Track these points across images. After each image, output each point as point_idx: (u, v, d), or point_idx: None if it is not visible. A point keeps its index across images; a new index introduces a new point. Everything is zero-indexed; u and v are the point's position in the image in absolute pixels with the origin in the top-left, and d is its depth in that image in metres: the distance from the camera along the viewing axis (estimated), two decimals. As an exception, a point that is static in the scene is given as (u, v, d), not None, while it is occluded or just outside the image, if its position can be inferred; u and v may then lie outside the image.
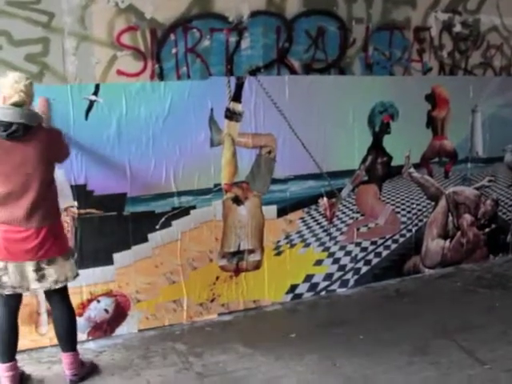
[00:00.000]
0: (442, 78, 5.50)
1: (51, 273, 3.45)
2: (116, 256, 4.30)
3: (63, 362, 3.73)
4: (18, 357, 3.69)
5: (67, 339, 3.69)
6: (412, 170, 5.47)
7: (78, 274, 3.69)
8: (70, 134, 4.00)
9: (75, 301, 4.19)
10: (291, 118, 4.73)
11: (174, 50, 4.28)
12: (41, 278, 3.43)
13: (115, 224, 4.25)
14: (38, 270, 3.41)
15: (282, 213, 4.87)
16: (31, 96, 3.38)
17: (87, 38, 4.00)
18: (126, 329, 4.42)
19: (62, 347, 3.70)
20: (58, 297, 3.61)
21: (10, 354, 3.58)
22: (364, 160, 5.19)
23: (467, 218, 5.89)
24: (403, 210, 5.50)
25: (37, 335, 4.14)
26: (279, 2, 4.60)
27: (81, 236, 4.17)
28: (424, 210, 5.63)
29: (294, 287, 5.01)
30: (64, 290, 3.61)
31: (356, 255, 5.28)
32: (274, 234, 4.86)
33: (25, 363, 3.91)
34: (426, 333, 4.30)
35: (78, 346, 4.05)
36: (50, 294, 3.60)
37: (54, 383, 3.73)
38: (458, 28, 5.50)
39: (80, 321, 4.24)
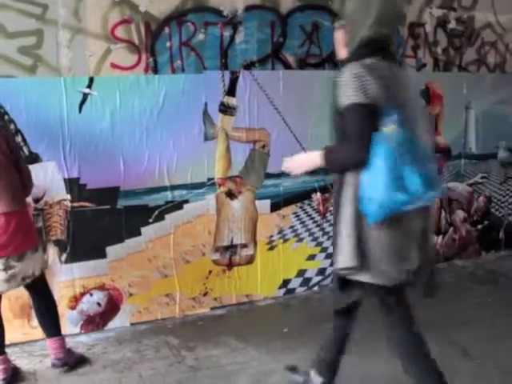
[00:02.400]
0: (436, 75, 5.51)
1: (21, 269, 3.39)
2: (109, 249, 4.30)
3: (48, 348, 3.74)
4: (9, 350, 3.69)
5: (49, 324, 3.70)
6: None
7: (46, 266, 3.73)
8: (64, 126, 4.00)
9: (68, 294, 4.21)
10: (285, 113, 4.73)
11: (168, 44, 4.28)
12: (10, 277, 3.36)
13: (108, 217, 4.25)
14: (8, 268, 3.34)
15: (275, 207, 4.87)
16: None
17: (81, 30, 3.99)
18: (118, 322, 4.42)
19: (46, 333, 3.71)
20: (36, 287, 3.60)
21: None
22: (358, 155, 5.18)
23: (460, 214, 5.91)
24: (396, 205, 5.50)
25: (29, 328, 4.13)
26: (274, -4, 4.60)
27: (73, 229, 4.17)
28: (417, 205, 5.63)
29: (286, 282, 5.02)
30: (39, 280, 3.58)
31: (349, 250, 5.28)
32: (267, 228, 4.86)
33: (17, 356, 3.91)
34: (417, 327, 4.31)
35: (71, 339, 4.07)
36: (27, 285, 3.56)
37: (46, 376, 3.72)
38: (452, 24, 5.50)
39: (72, 314, 4.26)
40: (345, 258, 2.63)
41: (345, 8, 2.76)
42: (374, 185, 2.45)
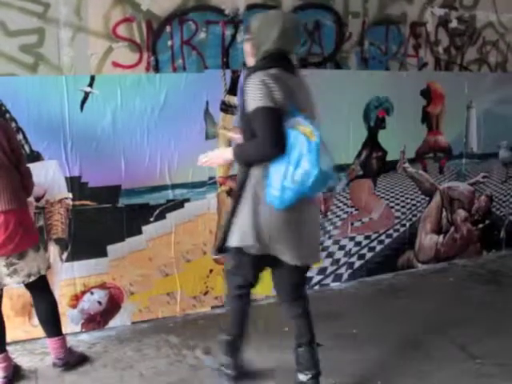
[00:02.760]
0: (437, 74, 5.51)
1: (23, 267, 3.41)
2: (110, 248, 4.30)
3: (49, 348, 3.74)
4: (10, 348, 3.70)
5: (50, 324, 3.69)
6: (407, 165, 5.48)
7: (49, 266, 3.69)
8: (65, 125, 4.00)
9: (69, 292, 4.21)
10: (286, 112, 4.72)
11: (169, 43, 4.27)
12: (12, 273, 3.39)
13: (109, 216, 4.25)
14: (10, 264, 3.36)
15: (276, 206, 4.86)
16: None
17: (83, 29, 3.99)
18: (119, 321, 4.43)
19: (47, 333, 3.71)
20: (37, 286, 3.58)
21: (0, 345, 3.58)
22: (359, 155, 5.19)
23: (461, 213, 5.90)
24: (397, 204, 5.51)
25: (30, 326, 4.13)
26: (276, -5, 4.60)
27: (75, 228, 4.17)
28: (418, 205, 5.64)
29: (287, 281, 5.01)
30: (40, 279, 3.56)
31: (350, 249, 5.29)
32: (268, 227, 4.85)
33: (18, 354, 3.92)
34: (418, 327, 4.32)
35: (72, 338, 4.08)
36: (27, 285, 3.56)
37: (47, 374, 3.72)
38: (454, 24, 5.50)
39: (73, 313, 4.26)
40: (242, 237, 3.04)
41: (251, 24, 3.12)
42: (289, 176, 2.81)
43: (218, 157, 3.30)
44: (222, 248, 3.24)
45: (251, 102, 2.88)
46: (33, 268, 3.46)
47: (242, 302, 3.44)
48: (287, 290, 3.42)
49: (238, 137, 3.36)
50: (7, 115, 3.84)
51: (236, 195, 3.11)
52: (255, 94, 2.87)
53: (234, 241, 3.10)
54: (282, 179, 2.83)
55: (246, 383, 3.63)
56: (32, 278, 3.48)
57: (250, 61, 3.14)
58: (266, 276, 4.87)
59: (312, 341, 3.42)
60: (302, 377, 3.38)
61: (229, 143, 4.52)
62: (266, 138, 2.85)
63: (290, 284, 3.38)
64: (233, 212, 3.11)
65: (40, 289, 3.62)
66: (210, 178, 4.54)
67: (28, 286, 3.56)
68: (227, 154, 3.16)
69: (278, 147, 2.83)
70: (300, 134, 2.82)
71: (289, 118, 2.88)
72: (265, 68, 2.95)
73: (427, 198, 5.69)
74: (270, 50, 3.00)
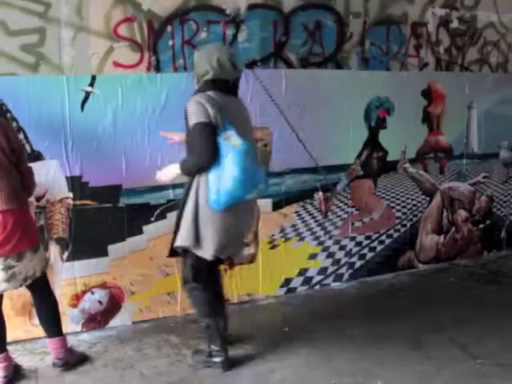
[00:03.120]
0: (438, 74, 5.51)
1: (21, 269, 3.37)
2: (111, 248, 4.30)
3: (49, 348, 3.74)
4: (11, 347, 3.70)
5: (50, 324, 3.68)
6: (407, 165, 5.47)
7: (47, 265, 3.69)
8: (66, 124, 4.00)
9: (69, 292, 4.21)
10: (287, 112, 4.73)
11: (170, 42, 4.27)
12: (10, 277, 3.35)
13: (110, 216, 4.25)
14: (8, 267, 3.33)
15: (277, 206, 4.87)
16: None
17: (84, 28, 3.99)
18: (119, 321, 4.43)
19: (47, 333, 3.70)
20: (37, 286, 3.57)
21: (0, 345, 3.57)
22: (359, 155, 5.19)
23: (462, 213, 5.90)
24: (398, 205, 5.51)
25: (30, 326, 4.13)
26: (276, -5, 4.60)
27: (75, 227, 4.17)
28: (419, 205, 5.64)
29: (288, 281, 5.02)
30: (40, 279, 3.56)
31: (350, 250, 5.29)
32: (268, 227, 4.86)
33: (18, 354, 3.92)
34: (419, 327, 4.32)
35: (72, 337, 4.08)
36: (28, 284, 3.54)
37: (47, 374, 3.72)
38: (455, 24, 5.50)
39: (74, 312, 4.26)
40: (185, 237, 3.47)
41: (193, 57, 3.65)
42: (222, 181, 3.29)
43: (171, 172, 3.64)
44: (172, 250, 3.64)
45: (191, 119, 3.36)
46: (29, 271, 3.42)
47: (200, 291, 3.71)
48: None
49: (177, 139, 3.95)
50: (8, 115, 3.84)
51: (182, 201, 3.54)
52: (192, 112, 3.35)
53: (178, 241, 3.53)
54: (217, 184, 3.31)
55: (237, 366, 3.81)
56: (28, 281, 3.46)
57: (196, 87, 3.61)
58: (267, 276, 4.90)
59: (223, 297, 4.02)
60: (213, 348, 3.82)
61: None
62: (202, 150, 3.34)
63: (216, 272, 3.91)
64: (179, 216, 3.53)
65: (40, 288, 3.61)
66: (211, 178, 4.54)
67: (29, 285, 3.54)
68: (176, 168, 3.56)
69: (211, 157, 3.31)
70: (229, 145, 3.29)
71: (222, 132, 3.33)
72: (205, 91, 3.44)
73: (428, 199, 5.69)
74: (208, 80, 3.47)
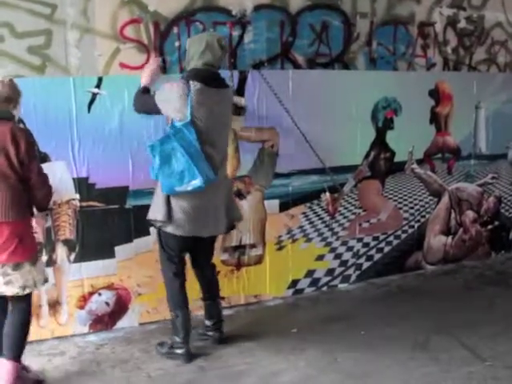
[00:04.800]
0: (445, 74, 5.49)
1: (17, 278, 3.31)
2: (117, 249, 4.29)
3: None
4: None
5: (10, 342, 3.43)
6: (415, 165, 5.45)
7: (47, 280, 3.57)
8: (73, 126, 4.00)
9: (76, 293, 4.21)
10: (294, 113, 4.71)
11: (177, 43, 4.27)
12: (8, 282, 3.30)
13: (117, 217, 4.25)
14: (4, 274, 3.28)
15: (284, 207, 4.86)
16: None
17: (90, 30, 3.99)
18: (127, 322, 4.42)
19: (5, 352, 3.43)
20: (15, 302, 3.43)
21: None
22: (367, 155, 5.18)
23: (470, 214, 5.88)
24: (405, 205, 5.49)
25: (38, 327, 4.13)
26: (283, -5, 4.60)
27: (82, 229, 4.17)
28: (426, 206, 5.62)
29: (295, 282, 5.01)
30: (27, 296, 3.43)
31: (358, 251, 5.27)
32: (275, 228, 4.85)
33: (25, 355, 3.90)
34: (427, 329, 4.30)
35: (80, 339, 4.10)
36: (13, 296, 3.41)
37: (55, 375, 3.72)
38: (462, 24, 5.48)
39: (81, 314, 4.26)
40: (156, 211, 3.73)
41: (186, 45, 3.86)
42: (161, 171, 3.61)
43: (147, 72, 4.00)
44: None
45: (164, 85, 3.71)
46: (28, 281, 3.34)
47: (178, 280, 3.94)
48: (202, 259, 4.12)
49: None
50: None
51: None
52: (168, 86, 3.67)
53: (150, 215, 3.80)
54: (161, 173, 3.63)
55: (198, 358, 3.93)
56: (27, 291, 3.37)
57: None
58: (274, 278, 4.89)
59: (218, 296, 4.22)
60: (208, 322, 4.15)
61: (236, 144, 4.52)
62: (142, 106, 3.87)
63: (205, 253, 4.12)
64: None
65: (20, 304, 3.45)
66: (218, 179, 4.53)
67: (12, 297, 3.41)
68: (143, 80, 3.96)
69: (139, 112, 3.91)
70: (169, 141, 3.58)
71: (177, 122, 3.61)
72: (186, 78, 3.64)
73: (435, 199, 5.67)
74: (194, 68, 3.68)
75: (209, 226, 3.85)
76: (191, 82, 3.58)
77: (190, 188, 3.59)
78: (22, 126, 3.77)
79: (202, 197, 3.68)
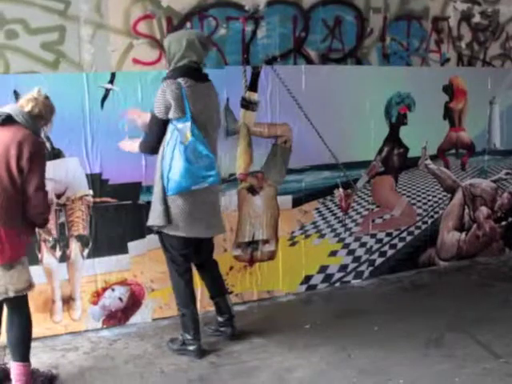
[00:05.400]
0: (459, 69, 5.45)
1: None
2: (131, 245, 4.31)
3: (11, 371, 3.45)
4: (32, 344, 3.68)
5: (15, 347, 3.41)
6: (428, 161, 5.43)
7: (28, 288, 3.37)
8: (86, 122, 4.01)
9: (90, 289, 4.23)
10: (307, 108, 4.70)
11: (190, 39, 4.27)
12: None
13: (130, 213, 4.25)
14: None
15: (297, 203, 4.85)
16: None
17: (103, 26, 4.00)
18: (140, 317, 4.43)
19: (11, 355, 3.43)
20: (10, 304, 3.37)
21: None
22: (380, 151, 5.16)
23: (483, 210, 5.84)
24: (419, 201, 5.47)
25: (51, 323, 4.16)
26: (296, -10, 4.58)
27: (96, 224, 4.18)
28: (440, 202, 5.59)
29: (308, 278, 5.00)
30: (12, 300, 3.33)
31: (371, 247, 5.25)
32: (288, 224, 4.84)
33: (39, 351, 3.93)
34: (440, 325, 4.27)
35: (93, 334, 4.10)
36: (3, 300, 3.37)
37: (69, 370, 3.73)
38: (476, 18, 5.45)
39: (94, 309, 4.28)
40: (155, 217, 3.74)
41: (164, 44, 3.77)
42: (171, 170, 3.58)
43: (132, 147, 4.01)
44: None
45: (154, 106, 3.65)
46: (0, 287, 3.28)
47: (183, 279, 3.90)
48: (203, 256, 4.09)
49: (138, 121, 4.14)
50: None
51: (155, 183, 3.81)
52: (157, 100, 3.63)
53: (150, 221, 3.82)
54: (167, 172, 3.61)
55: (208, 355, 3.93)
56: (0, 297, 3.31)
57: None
58: (287, 274, 4.88)
59: (225, 292, 4.21)
60: (220, 318, 4.15)
61: (249, 140, 4.51)
62: (147, 142, 3.79)
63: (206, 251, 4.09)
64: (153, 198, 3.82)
65: (11, 310, 3.41)
66: (231, 175, 4.54)
67: (3, 300, 3.37)
68: (136, 147, 3.92)
69: (152, 150, 3.75)
70: (179, 139, 3.54)
71: (181, 121, 3.57)
72: (173, 77, 3.61)
73: (449, 195, 5.64)
74: (179, 66, 3.64)
75: (209, 225, 3.88)
76: (181, 79, 3.58)
77: (206, 184, 3.63)
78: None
79: (198, 194, 3.68)
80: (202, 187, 3.63)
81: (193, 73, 3.65)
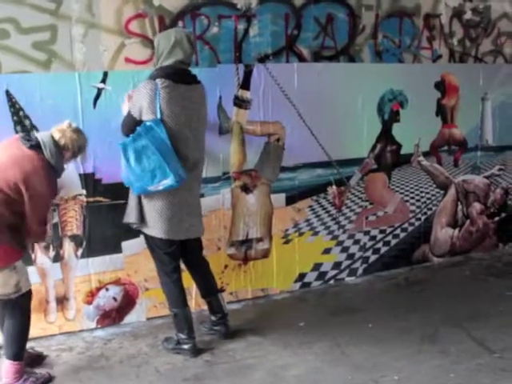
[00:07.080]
0: (451, 66, 5.47)
1: None
2: (124, 244, 4.30)
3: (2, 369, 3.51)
4: (27, 344, 3.68)
5: (5, 346, 3.47)
6: (421, 158, 5.44)
7: (15, 292, 3.37)
8: (79, 121, 4.00)
9: (84, 289, 4.22)
10: (300, 106, 4.70)
11: (182, 38, 4.26)
12: None
13: (123, 212, 4.23)
14: None
15: (290, 201, 4.86)
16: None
17: (95, 25, 3.99)
18: (134, 317, 4.43)
19: (4, 352, 3.50)
20: (4, 306, 3.43)
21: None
22: (373, 148, 5.16)
23: (476, 206, 5.86)
24: (412, 198, 5.48)
25: (46, 323, 4.15)
26: (288, -12, 4.58)
27: (89, 224, 4.17)
28: (433, 198, 5.61)
29: (302, 276, 5.00)
30: (9, 302, 3.39)
31: (365, 244, 5.26)
32: (282, 222, 4.85)
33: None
34: (435, 321, 4.29)
35: (87, 334, 4.10)
36: None
37: (63, 371, 3.73)
38: (468, 15, 5.46)
39: (89, 309, 4.27)
40: (128, 214, 3.79)
41: (154, 43, 3.78)
42: (129, 170, 3.62)
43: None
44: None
45: (132, 101, 3.67)
46: None
47: (171, 279, 3.90)
48: (190, 256, 4.07)
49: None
50: (21, 112, 3.84)
51: None
52: (134, 97, 3.65)
53: (124, 218, 3.83)
54: (127, 173, 3.65)
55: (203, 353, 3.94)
56: None
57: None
58: (281, 271, 4.88)
59: (217, 291, 4.17)
60: (213, 317, 4.13)
61: (242, 138, 4.51)
62: (123, 129, 3.74)
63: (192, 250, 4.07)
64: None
65: (3, 309, 3.45)
66: (224, 174, 4.54)
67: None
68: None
69: (125, 135, 3.68)
70: (139, 141, 3.54)
71: (148, 122, 3.54)
72: (154, 77, 3.60)
73: (442, 192, 5.65)
74: (165, 62, 3.64)
75: (187, 227, 3.84)
76: (158, 80, 3.55)
77: (161, 187, 3.57)
78: (27, 122, 3.81)
79: (175, 195, 3.68)
80: (158, 190, 3.60)
81: (174, 74, 3.62)
